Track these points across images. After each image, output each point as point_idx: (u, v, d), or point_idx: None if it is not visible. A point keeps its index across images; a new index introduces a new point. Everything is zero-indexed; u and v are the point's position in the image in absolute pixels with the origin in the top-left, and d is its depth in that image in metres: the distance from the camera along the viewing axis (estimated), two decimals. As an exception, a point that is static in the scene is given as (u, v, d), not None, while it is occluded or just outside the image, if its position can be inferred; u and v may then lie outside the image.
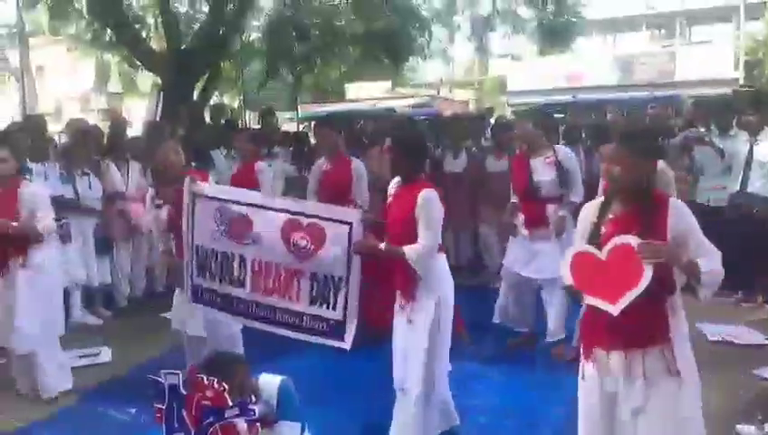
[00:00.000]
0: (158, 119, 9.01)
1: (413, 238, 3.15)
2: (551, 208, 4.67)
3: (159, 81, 9.97)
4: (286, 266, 3.46)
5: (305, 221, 3.41)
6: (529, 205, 4.71)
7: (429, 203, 3.18)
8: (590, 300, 2.40)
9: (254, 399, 2.26)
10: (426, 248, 3.15)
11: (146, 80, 14.42)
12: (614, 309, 2.32)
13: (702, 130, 6.48)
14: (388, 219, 3.36)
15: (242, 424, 2.12)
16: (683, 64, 20.48)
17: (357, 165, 5.38)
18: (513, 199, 4.89)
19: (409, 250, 3.14)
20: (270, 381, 2.54)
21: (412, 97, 18.44)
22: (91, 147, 6.15)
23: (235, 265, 3.59)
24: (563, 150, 4.85)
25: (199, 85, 10.17)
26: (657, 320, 2.41)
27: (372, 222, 3.42)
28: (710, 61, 19.74)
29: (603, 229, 2.45)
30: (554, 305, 4.66)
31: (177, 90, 9.15)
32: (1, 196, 4.12)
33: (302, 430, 2.69)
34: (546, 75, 21.57)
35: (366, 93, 19.31)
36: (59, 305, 4.39)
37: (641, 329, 2.39)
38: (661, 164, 4.17)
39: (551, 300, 4.69)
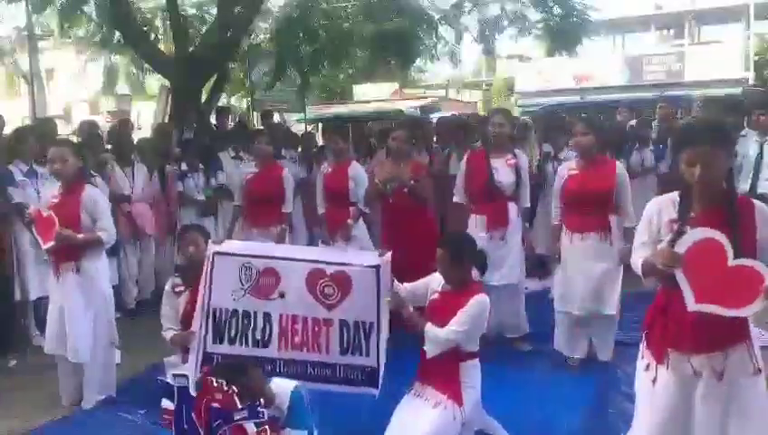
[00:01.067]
0: (166, 121, 9.06)
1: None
2: (512, 207, 4.79)
3: (168, 83, 10.00)
4: (314, 317, 3.38)
5: (330, 269, 3.36)
6: (491, 204, 4.76)
7: (479, 306, 3.14)
8: (681, 278, 2.27)
9: (263, 402, 2.25)
10: (450, 335, 3.08)
11: (154, 82, 14.51)
12: (692, 305, 2.25)
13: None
14: (435, 317, 3.19)
15: (251, 427, 2.11)
16: (692, 64, 20.37)
17: (354, 167, 5.40)
18: (459, 199, 4.97)
19: (430, 329, 3.09)
20: (282, 387, 2.54)
21: (419, 99, 18.46)
22: (98, 149, 6.17)
23: (259, 324, 3.46)
24: (523, 156, 4.99)
25: (207, 87, 10.20)
26: (739, 320, 2.34)
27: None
28: (719, 61, 19.62)
29: (687, 228, 2.33)
30: (516, 307, 4.87)
31: (186, 92, 9.17)
32: (63, 199, 4.01)
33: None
34: (554, 76, 21.52)
35: (373, 95, 19.35)
36: (112, 310, 4.27)
37: (724, 330, 2.33)
38: (620, 167, 4.37)
39: (513, 304, 4.85)
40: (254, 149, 5.73)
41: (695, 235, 2.30)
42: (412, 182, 4.87)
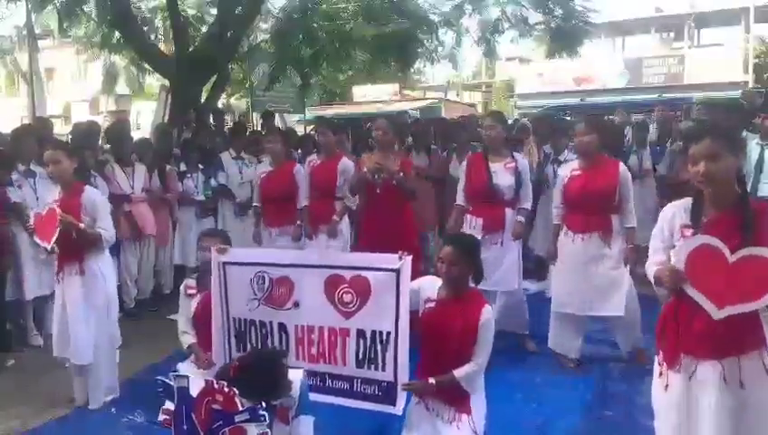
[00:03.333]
0: (166, 120, 9.05)
1: (468, 355, 3.04)
2: (509, 212, 4.76)
3: (168, 83, 10.00)
4: (331, 327, 3.30)
5: (348, 274, 3.27)
6: (487, 208, 4.74)
7: (491, 323, 3.08)
8: (694, 293, 2.27)
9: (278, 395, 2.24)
10: (479, 367, 3.06)
11: (154, 82, 14.51)
12: (717, 314, 2.24)
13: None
14: (434, 329, 3.11)
15: (252, 429, 2.10)
16: (692, 67, 20.41)
17: (343, 162, 5.39)
18: (460, 201, 4.93)
19: (462, 373, 3.03)
20: (293, 374, 2.52)
21: (419, 100, 18.47)
22: (97, 148, 6.16)
23: (276, 334, 3.39)
24: (522, 160, 4.95)
25: (207, 87, 10.20)
26: (754, 326, 2.33)
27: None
28: (719, 64, 19.66)
29: (700, 233, 2.34)
30: (518, 310, 4.85)
31: (186, 92, 9.17)
32: (63, 201, 3.99)
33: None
34: (554, 78, 21.53)
35: (373, 96, 19.36)
36: (115, 312, 4.24)
37: (739, 336, 2.31)
38: (622, 167, 4.32)
39: (508, 305, 4.82)
40: (266, 149, 5.79)
41: (686, 247, 2.31)
42: (401, 174, 4.85)
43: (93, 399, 4.08)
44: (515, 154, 4.93)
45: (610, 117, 9.13)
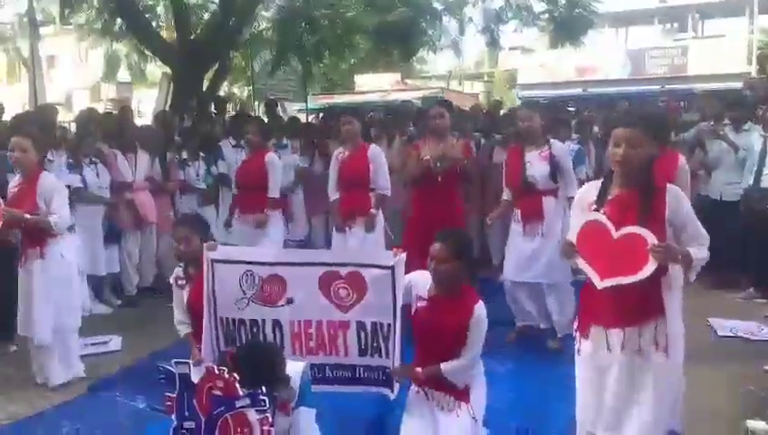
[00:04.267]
0: (167, 109, 9.03)
1: (459, 350, 3.02)
2: (546, 202, 4.66)
3: (169, 71, 9.98)
4: (330, 320, 3.30)
5: (343, 271, 3.26)
6: (525, 199, 4.68)
7: (483, 321, 3.03)
8: (582, 264, 2.54)
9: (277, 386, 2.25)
10: (468, 362, 3.05)
11: (155, 70, 14.46)
12: (599, 284, 2.46)
13: (714, 124, 6.42)
14: (426, 327, 3.09)
15: (252, 414, 2.11)
16: (695, 58, 20.34)
17: (373, 151, 5.30)
18: (505, 196, 4.87)
19: (448, 367, 3.02)
20: (292, 366, 2.53)
21: (421, 89, 18.42)
22: (99, 136, 6.16)
23: (269, 331, 3.35)
24: (558, 145, 4.83)
25: (209, 76, 10.17)
26: (652, 297, 2.52)
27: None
28: (723, 55, 19.59)
29: (603, 209, 2.55)
30: (560, 304, 4.66)
31: (187, 80, 9.16)
32: (22, 187, 4.13)
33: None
34: (557, 68, 21.47)
35: (375, 85, 19.30)
36: (77, 296, 4.37)
37: (638, 306, 2.51)
38: (682, 160, 4.12)
39: (557, 300, 4.68)
40: (244, 138, 5.78)
41: (578, 223, 2.59)
42: (466, 161, 4.79)
43: (54, 376, 4.20)
44: (552, 141, 4.80)
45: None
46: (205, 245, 3.39)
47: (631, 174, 2.53)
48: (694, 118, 7.41)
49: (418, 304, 3.14)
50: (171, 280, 3.69)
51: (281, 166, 5.68)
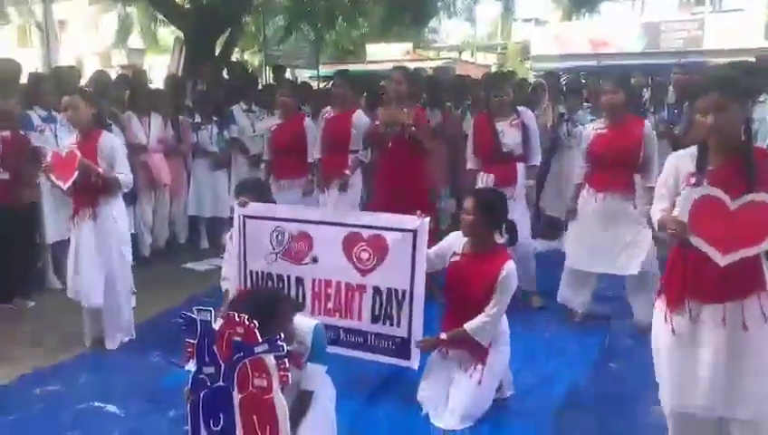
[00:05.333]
0: (179, 74, 9.03)
1: (485, 306, 3.16)
2: (520, 167, 4.79)
3: (182, 36, 9.94)
4: (348, 283, 3.37)
5: (366, 233, 3.34)
6: (499, 166, 4.76)
7: (512, 279, 3.17)
8: (698, 243, 2.33)
9: (282, 337, 2.30)
10: (491, 318, 3.15)
11: (167, 36, 14.41)
12: (721, 260, 2.30)
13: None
14: (460, 282, 3.24)
15: (270, 359, 2.18)
16: (712, 33, 19.99)
17: (358, 116, 5.33)
18: (471, 165, 4.94)
19: (473, 325, 3.14)
20: (305, 323, 2.59)
21: (433, 60, 18.26)
22: (113, 99, 6.19)
23: (293, 288, 3.47)
24: (528, 113, 4.91)
25: (221, 41, 10.14)
26: (755, 270, 2.40)
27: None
28: (740, 29, 19.24)
29: (705, 182, 2.39)
30: (526, 265, 4.72)
31: (199, 45, 9.13)
32: (80, 145, 4.03)
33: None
34: (570, 40, 21.19)
35: (386, 55, 19.13)
36: (128, 258, 4.32)
37: (741, 280, 2.38)
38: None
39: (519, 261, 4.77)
40: (277, 101, 5.78)
41: (689, 199, 2.36)
42: (413, 127, 4.81)
43: (109, 340, 4.21)
44: (520, 109, 4.89)
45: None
46: (236, 201, 3.50)
47: (728, 142, 2.40)
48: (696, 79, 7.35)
49: (452, 259, 3.30)
50: (227, 237, 3.81)
51: (316, 132, 5.63)
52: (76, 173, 3.86)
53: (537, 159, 4.91)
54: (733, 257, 2.29)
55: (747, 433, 2.44)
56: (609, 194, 4.32)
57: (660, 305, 2.55)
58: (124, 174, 4.08)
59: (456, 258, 3.30)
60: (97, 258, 4.10)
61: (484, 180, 4.81)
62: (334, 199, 5.25)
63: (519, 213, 4.67)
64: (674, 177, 2.53)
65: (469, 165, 4.99)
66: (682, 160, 2.53)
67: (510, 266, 3.17)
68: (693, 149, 2.52)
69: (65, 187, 3.95)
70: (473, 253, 3.26)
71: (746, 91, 2.54)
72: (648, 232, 4.25)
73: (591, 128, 4.54)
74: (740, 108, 2.40)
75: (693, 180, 2.43)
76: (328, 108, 5.52)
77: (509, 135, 4.76)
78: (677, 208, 2.41)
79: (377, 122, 4.93)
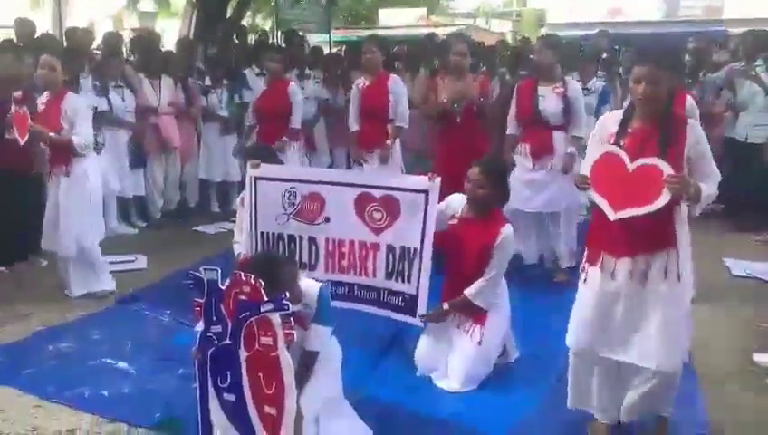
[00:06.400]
0: (190, 37, 8.96)
1: (483, 270, 3.23)
2: (557, 136, 4.66)
3: (193, -1, 9.84)
4: (361, 241, 3.41)
5: (378, 193, 3.36)
6: (535, 133, 4.67)
7: (509, 243, 3.24)
8: (595, 197, 2.55)
9: (288, 296, 2.33)
10: (489, 282, 3.22)
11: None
12: (612, 216, 2.47)
13: (746, 64, 6.26)
14: (458, 246, 3.28)
15: (276, 318, 2.21)
16: (733, 2, 19.55)
17: (394, 82, 5.26)
18: (511, 130, 4.85)
19: (472, 290, 3.23)
20: (311, 285, 2.62)
21: (447, 26, 17.99)
22: (124, 60, 6.19)
23: (305, 247, 3.50)
24: (574, 84, 4.80)
25: (233, 4, 10.03)
26: (665, 228, 2.54)
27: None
28: (761, -2, 18.76)
29: (622, 142, 2.56)
30: (564, 235, 4.74)
31: (211, 8, 9.04)
32: (48, 105, 4.28)
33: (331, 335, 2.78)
34: (588, 9, 20.81)
35: (400, 21, 18.92)
36: (99, 212, 4.57)
37: (650, 235, 2.52)
38: (690, 100, 4.17)
39: (562, 230, 4.74)
40: (265, 66, 5.79)
41: (593, 155, 2.59)
42: (481, 99, 4.77)
43: (75, 287, 4.44)
44: (567, 79, 4.77)
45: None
46: (248, 163, 3.51)
47: (653, 109, 2.54)
48: (725, 58, 7.21)
49: (451, 222, 3.34)
50: (238, 201, 3.85)
51: (302, 96, 5.66)
52: (28, 133, 4.12)
53: (580, 131, 4.63)
54: (623, 214, 2.46)
55: (642, 380, 2.63)
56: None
57: (583, 261, 2.75)
58: (80, 135, 4.21)
59: (455, 222, 3.34)
60: (68, 211, 4.30)
61: (521, 150, 4.74)
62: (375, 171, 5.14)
63: (557, 183, 4.60)
64: (599, 136, 2.70)
65: (509, 130, 4.87)
66: (608, 121, 2.71)
67: (507, 231, 3.23)
68: (618, 112, 2.72)
69: (21, 142, 4.19)
70: (471, 217, 3.31)
71: (678, 65, 2.66)
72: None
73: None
74: (670, 80, 2.55)
75: (612, 141, 2.59)
76: (361, 78, 5.40)
77: (549, 101, 4.62)
78: (584, 164, 2.66)
79: (443, 98, 4.79)
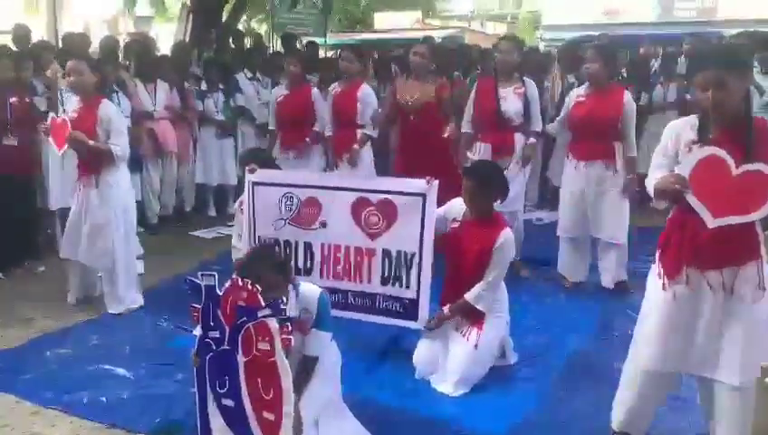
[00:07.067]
0: (186, 42, 8.97)
1: (483, 273, 3.24)
2: (518, 137, 4.74)
3: (189, 2, 9.84)
4: (357, 247, 3.40)
5: (375, 197, 3.36)
6: (496, 133, 4.72)
7: (509, 247, 3.27)
8: (693, 201, 2.34)
9: (285, 300, 2.34)
10: (488, 286, 3.25)
11: (175, 2, 14.27)
12: (711, 222, 2.32)
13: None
14: (458, 248, 3.31)
15: (273, 324, 2.21)
16: (726, 3, 19.62)
17: (363, 90, 5.27)
18: (467, 129, 4.88)
19: (472, 295, 3.25)
20: (311, 290, 2.63)
21: (441, 29, 18.03)
22: (119, 65, 6.18)
23: (301, 253, 3.50)
24: (532, 84, 4.86)
25: (228, 8, 10.04)
26: (751, 238, 2.43)
27: None
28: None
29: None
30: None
31: (206, 13, 9.06)
32: (81, 112, 4.11)
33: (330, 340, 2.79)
34: (583, 10, 20.85)
35: (395, 24, 18.96)
36: (133, 226, 4.39)
37: (737, 247, 2.41)
38: (627, 96, 4.30)
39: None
40: (286, 71, 5.76)
41: (694, 156, 2.36)
42: (438, 100, 4.78)
43: (112, 304, 4.25)
44: (526, 80, 4.83)
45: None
46: (247, 168, 3.53)
47: (728, 115, 2.40)
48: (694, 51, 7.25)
49: (452, 226, 3.37)
50: (236, 205, 3.86)
51: (325, 102, 5.61)
52: (66, 146, 4.02)
53: (538, 126, 4.84)
54: (723, 222, 2.31)
55: (731, 398, 2.45)
56: (590, 163, 4.40)
57: (657, 271, 2.56)
58: (119, 146, 4.09)
59: (456, 225, 3.37)
60: (102, 223, 4.15)
61: (480, 150, 4.77)
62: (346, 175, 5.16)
63: (515, 183, 4.60)
64: (673, 146, 2.52)
65: (464, 129, 4.90)
66: (682, 129, 2.52)
67: (507, 235, 3.26)
68: (692, 118, 2.52)
69: (60, 152, 4.11)
70: (472, 220, 3.33)
71: (745, 63, 2.52)
72: (626, 201, 4.42)
73: (574, 95, 4.55)
74: (739, 81, 2.39)
75: (695, 147, 2.42)
76: (335, 84, 5.46)
77: (510, 102, 4.69)
78: (681, 166, 2.42)
79: (399, 98, 4.87)
